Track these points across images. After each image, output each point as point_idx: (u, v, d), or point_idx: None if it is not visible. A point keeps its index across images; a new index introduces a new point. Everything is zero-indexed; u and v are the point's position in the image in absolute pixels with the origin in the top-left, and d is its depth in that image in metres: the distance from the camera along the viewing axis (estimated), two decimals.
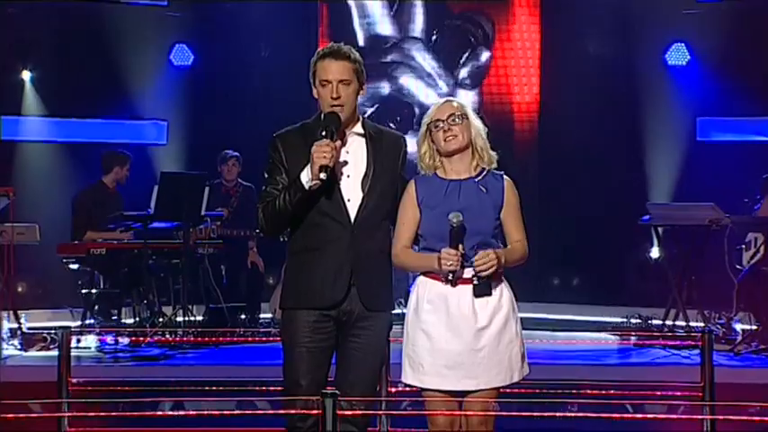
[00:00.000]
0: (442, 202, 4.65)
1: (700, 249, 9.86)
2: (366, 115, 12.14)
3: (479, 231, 4.59)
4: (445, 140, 4.67)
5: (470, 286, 4.61)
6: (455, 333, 4.60)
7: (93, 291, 9.86)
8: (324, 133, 4.53)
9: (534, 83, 12.44)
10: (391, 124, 12.07)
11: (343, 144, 4.65)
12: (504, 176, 4.76)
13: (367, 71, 4.73)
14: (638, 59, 12.00)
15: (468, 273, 4.61)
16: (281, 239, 4.73)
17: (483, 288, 4.60)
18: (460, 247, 4.54)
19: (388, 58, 12.46)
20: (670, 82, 12.00)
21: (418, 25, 12.50)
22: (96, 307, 9.84)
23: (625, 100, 11.94)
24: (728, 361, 8.58)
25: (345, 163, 4.64)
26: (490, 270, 4.54)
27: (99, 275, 10.09)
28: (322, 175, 4.46)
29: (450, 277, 4.58)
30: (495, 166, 4.76)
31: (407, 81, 12.50)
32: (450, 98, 4.85)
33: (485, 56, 12.49)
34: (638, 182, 11.78)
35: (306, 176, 4.52)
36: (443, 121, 4.68)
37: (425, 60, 12.48)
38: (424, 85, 12.47)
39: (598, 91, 12.06)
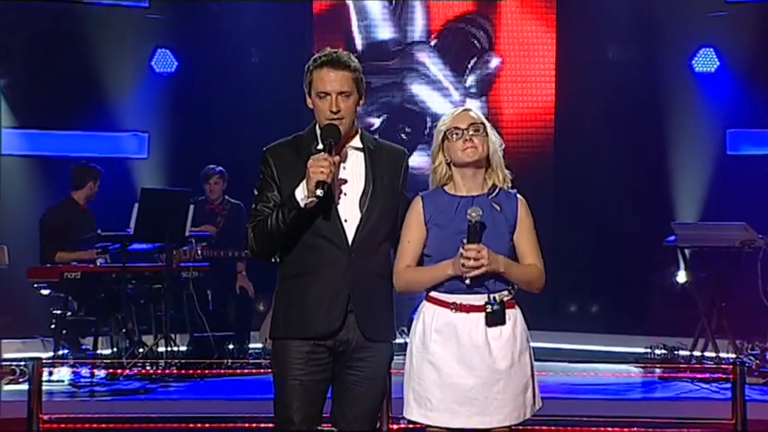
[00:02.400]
0: (452, 221, 4.63)
1: (730, 273, 9.86)
2: (374, 127, 12.19)
3: (494, 251, 4.58)
4: (463, 150, 4.66)
5: (482, 314, 4.59)
6: (467, 366, 4.58)
7: (59, 312, 9.83)
8: (321, 146, 4.53)
9: (549, 91, 12.45)
10: (402, 136, 12.10)
11: (341, 159, 4.65)
12: (518, 195, 4.75)
13: (371, 77, 4.74)
14: (662, 66, 12.01)
15: (479, 300, 4.59)
16: (273, 261, 4.73)
17: (497, 316, 4.58)
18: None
19: (396, 64, 12.46)
20: (697, 91, 12.01)
21: (418, 28, 12.50)
22: (64, 332, 9.83)
23: (648, 110, 11.95)
24: (762, 396, 8.57)
25: (342, 180, 4.64)
26: (475, 270, 4.49)
27: (73, 302, 10.08)
28: (319, 192, 4.45)
29: (467, 282, 4.54)
30: (509, 185, 4.75)
31: (418, 89, 12.50)
32: (468, 108, 4.81)
33: (494, 62, 12.50)
34: (662, 199, 11.78)
35: (301, 193, 4.52)
36: (463, 130, 4.66)
37: (435, 66, 12.49)
38: (436, 93, 12.47)
39: (618, 100, 12.07)
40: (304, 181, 4.50)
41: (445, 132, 4.70)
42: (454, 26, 12.57)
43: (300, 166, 4.54)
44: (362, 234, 4.61)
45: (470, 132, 4.66)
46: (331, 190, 4.56)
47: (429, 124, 12.31)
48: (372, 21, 12.52)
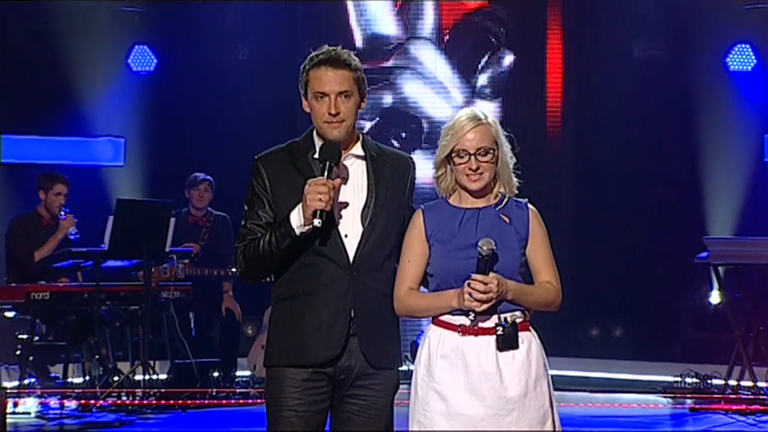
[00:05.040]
0: (456, 236, 4.64)
1: None
2: (364, 130, 12.14)
3: (503, 269, 4.59)
4: (467, 176, 4.65)
5: (492, 337, 4.61)
6: (476, 395, 4.58)
7: (25, 336, 9.84)
8: (318, 158, 4.51)
9: (569, 91, 12.46)
10: (394, 142, 12.10)
11: (340, 173, 4.61)
12: (529, 205, 4.75)
13: (366, 76, 4.73)
14: (693, 64, 12.03)
15: (489, 321, 4.61)
16: (268, 279, 4.73)
17: (508, 339, 4.59)
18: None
19: (391, 63, 12.47)
20: (732, 91, 12.02)
21: (428, 23, 12.50)
22: (31, 358, 9.84)
23: (677, 113, 11.96)
24: None
25: (342, 192, 4.63)
26: (483, 304, 4.52)
27: (41, 325, 10.09)
28: (316, 222, 4.45)
29: (472, 317, 4.56)
30: (515, 192, 4.76)
31: (414, 90, 12.50)
32: (480, 116, 4.70)
33: (508, 59, 12.51)
34: (693, 212, 11.79)
35: (297, 219, 4.51)
36: (471, 154, 4.64)
37: (437, 65, 12.49)
38: (434, 94, 12.46)
39: (644, 102, 12.08)
40: (300, 205, 4.50)
41: (451, 152, 4.68)
42: (470, 20, 12.55)
43: (296, 178, 4.56)
44: (365, 250, 4.61)
45: (478, 158, 4.64)
46: (330, 211, 4.54)
47: (426, 128, 12.28)
48: (373, 15, 12.52)
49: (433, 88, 12.49)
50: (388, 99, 12.47)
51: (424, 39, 12.53)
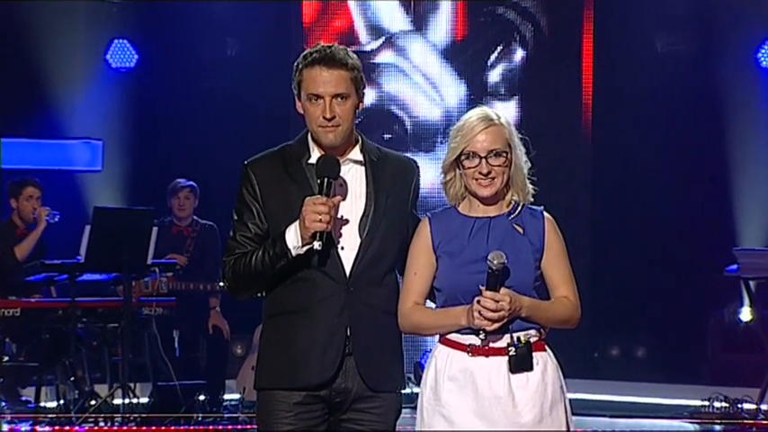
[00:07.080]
0: (466, 247, 4.63)
1: None
2: None
3: (516, 284, 4.58)
4: (477, 182, 4.64)
5: (504, 358, 4.60)
6: (486, 420, 4.58)
7: None
8: (316, 172, 4.51)
9: (585, 91, 12.46)
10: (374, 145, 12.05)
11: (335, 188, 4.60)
12: (545, 213, 4.75)
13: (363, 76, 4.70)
14: (722, 60, 12.03)
15: (501, 341, 4.59)
16: (259, 295, 4.72)
17: (521, 361, 4.58)
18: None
19: (376, 59, 12.41)
20: (764, 89, 12.02)
21: (442, 16, 12.45)
22: (1, 381, 9.83)
23: (705, 113, 11.97)
24: None
25: (339, 200, 4.62)
26: (493, 323, 4.50)
27: (11, 344, 10.09)
28: (316, 245, 4.46)
29: (482, 336, 4.55)
30: (531, 200, 4.75)
31: (398, 88, 12.41)
32: (491, 116, 4.68)
33: (519, 55, 12.48)
34: (722, 221, 11.79)
35: (293, 239, 4.51)
36: (482, 158, 4.63)
37: (432, 61, 12.44)
38: (421, 94, 12.37)
39: (669, 102, 12.09)
40: (296, 224, 4.50)
41: (460, 154, 4.66)
42: (491, 11, 12.52)
43: (289, 185, 4.57)
44: (362, 264, 4.61)
45: (490, 162, 4.62)
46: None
47: (410, 130, 12.21)
48: (377, 10, 12.49)
49: (420, 87, 12.43)
50: (369, 97, 12.34)
51: (417, 32, 12.48)
